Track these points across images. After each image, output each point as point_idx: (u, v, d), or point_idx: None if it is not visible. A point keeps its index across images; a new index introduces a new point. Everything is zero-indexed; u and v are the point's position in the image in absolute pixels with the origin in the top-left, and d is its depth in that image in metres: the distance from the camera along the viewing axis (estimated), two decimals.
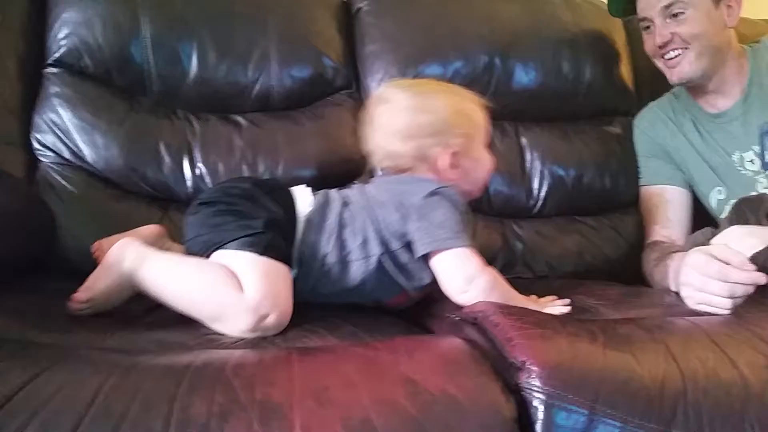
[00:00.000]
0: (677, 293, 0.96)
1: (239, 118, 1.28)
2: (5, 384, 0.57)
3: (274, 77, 1.29)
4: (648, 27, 1.29)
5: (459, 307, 0.90)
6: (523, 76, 1.39)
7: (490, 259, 1.28)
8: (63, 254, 1.09)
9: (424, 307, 1.01)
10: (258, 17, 1.30)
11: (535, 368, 0.67)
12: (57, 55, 1.20)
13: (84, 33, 1.19)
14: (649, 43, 1.29)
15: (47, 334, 0.76)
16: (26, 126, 1.17)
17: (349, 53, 1.38)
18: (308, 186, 1.02)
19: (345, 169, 1.28)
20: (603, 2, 1.56)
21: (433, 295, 1.02)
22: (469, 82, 1.35)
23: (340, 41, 1.37)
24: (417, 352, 0.71)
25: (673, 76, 1.27)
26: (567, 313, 0.96)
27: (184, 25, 1.25)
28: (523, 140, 1.41)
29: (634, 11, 1.32)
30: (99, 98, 1.19)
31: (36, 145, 1.17)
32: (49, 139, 1.16)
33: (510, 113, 1.40)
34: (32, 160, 1.16)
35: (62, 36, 1.20)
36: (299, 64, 1.31)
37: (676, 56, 1.25)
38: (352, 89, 1.37)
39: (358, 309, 1.07)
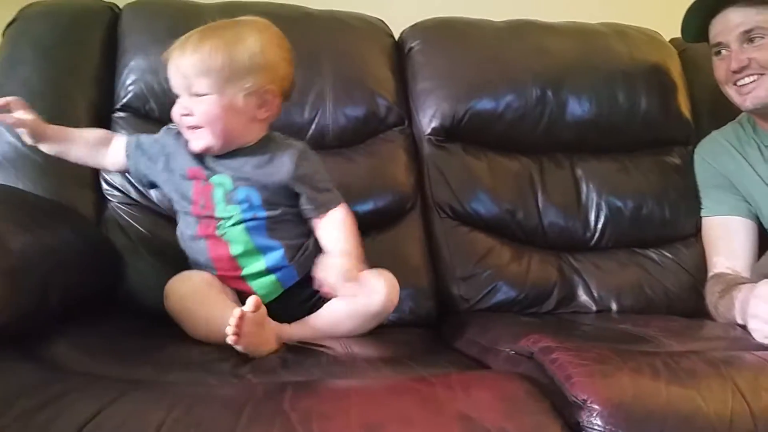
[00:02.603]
0: (744, 326, 0.92)
1: None
2: (76, 415, 0.60)
3: (330, 117, 1.32)
4: (720, 52, 1.26)
5: (514, 340, 0.88)
6: (577, 108, 1.39)
7: (546, 292, 1.28)
8: (129, 291, 1.13)
9: (478, 340, 1.00)
10: (314, 60, 1.34)
11: (596, 407, 0.66)
12: (125, 100, 1.27)
13: (150, 79, 1.26)
14: (721, 69, 1.26)
15: (114, 367, 0.79)
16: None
17: (402, 91, 1.41)
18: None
19: (398, 204, 1.30)
20: (657, 33, 1.56)
21: (486, 325, 1.02)
22: (522, 115, 1.37)
23: (392, 80, 1.40)
24: (474, 389, 0.71)
25: (746, 101, 1.24)
26: (627, 345, 0.93)
27: None
28: (579, 171, 1.40)
29: (706, 37, 1.30)
30: None
31: (105, 186, 1.22)
32: (117, 179, 1.22)
33: (564, 145, 1.40)
34: (101, 199, 1.22)
35: (130, 82, 1.27)
36: (353, 104, 1.34)
37: (750, 82, 1.22)
38: (404, 126, 1.39)
39: (411, 342, 1.07)
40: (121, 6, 1.36)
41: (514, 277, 1.27)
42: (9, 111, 0.98)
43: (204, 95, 0.96)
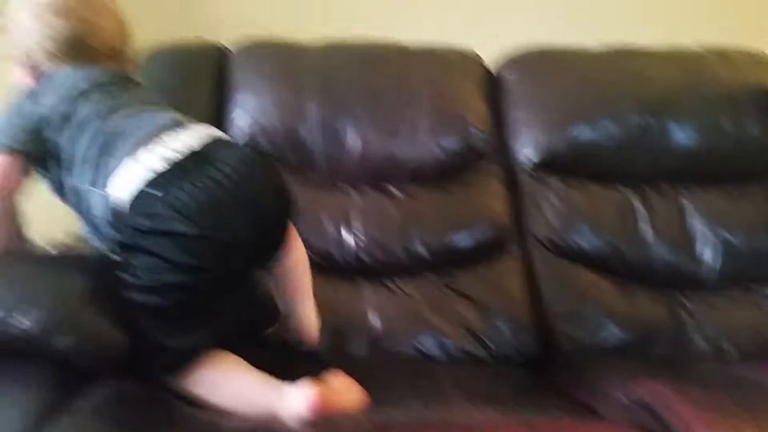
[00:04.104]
0: None
1: (394, 190, 1.34)
2: None
3: (426, 149, 1.34)
4: None
5: (626, 386, 0.87)
6: (681, 136, 1.35)
7: (655, 333, 1.23)
8: None
9: (586, 383, 0.99)
10: (409, 94, 1.37)
11: None
12: (236, 137, 1.34)
13: (260, 117, 1.32)
14: None
15: None
16: None
17: (497, 122, 1.41)
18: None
19: (496, 236, 1.30)
20: (764, 53, 1.49)
21: (593, 367, 0.99)
22: (622, 143, 1.34)
23: (487, 111, 1.40)
24: None
25: None
26: (744, 393, 0.89)
27: (344, 106, 1.35)
28: (684, 202, 1.35)
29: None
30: None
31: None
32: None
33: (668, 175, 1.36)
34: None
35: (241, 120, 1.33)
36: (449, 136, 1.35)
37: None
38: (500, 157, 1.39)
39: (512, 379, 1.07)
40: (231, 48, 1.44)
41: (620, 315, 1.23)
42: None
43: None
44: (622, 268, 1.29)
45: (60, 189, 0.91)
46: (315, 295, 1.06)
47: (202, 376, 0.78)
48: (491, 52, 1.50)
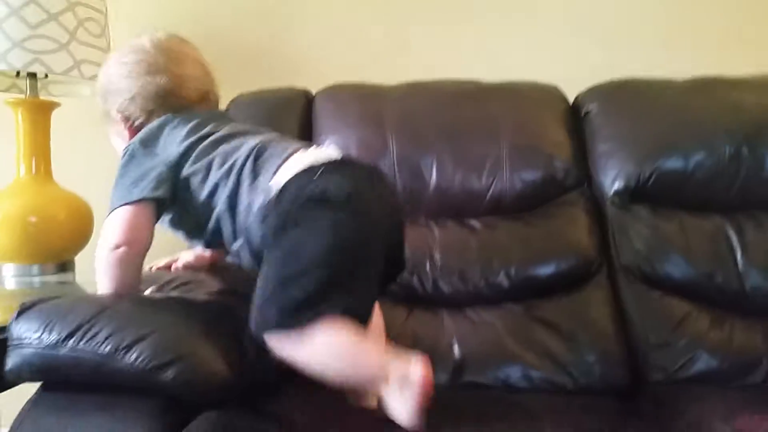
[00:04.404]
0: None
1: (474, 222, 1.34)
2: None
3: (506, 182, 1.35)
4: None
5: (730, 421, 0.82)
6: None
7: (752, 363, 1.17)
8: None
9: (684, 416, 0.94)
10: (490, 128, 1.39)
11: None
12: None
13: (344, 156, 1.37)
14: None
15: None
16: None
17: (580, 153, 1.40)
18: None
19: (583, 267, 1.27)
20: None
21: (690, 399, 0.94)
22: (715, 173, 1.30)
23: (569, 143, 1.40)
24: None
25: None
26: None
27: (424, 141, 1.38)
28: None
29: None
30: None
31: None
32: None
33: (761, 202, 1.30)
34: None
35: None
36: (530, 168, 1.35)
37: None
38: (584, 187, 1.37)
39: (605, 412, 1.03)
40: (314, 92, 1.51)
41: (715, 345, 1.17)
42: None
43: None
44: (716, 297, 1.24)
45: (193, 220, 0.97)
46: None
47: (319, 337, 0.78)
48: (575, 88, 1.50)
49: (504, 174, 1.35)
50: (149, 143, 0.98)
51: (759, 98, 1.36)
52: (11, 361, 0.73)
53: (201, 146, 0.95)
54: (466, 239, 1.31)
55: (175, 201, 0.95)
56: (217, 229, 0.94)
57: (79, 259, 1.46)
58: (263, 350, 0.81)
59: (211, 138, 0.96)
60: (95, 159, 1.71)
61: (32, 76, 1.39)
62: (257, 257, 0.90)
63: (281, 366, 0.81)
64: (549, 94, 1.48)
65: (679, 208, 1.32)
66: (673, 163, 1.31)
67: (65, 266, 1.42)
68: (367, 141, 1.38)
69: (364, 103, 1.45)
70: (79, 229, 1.43)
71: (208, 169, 0.93)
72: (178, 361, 0.70)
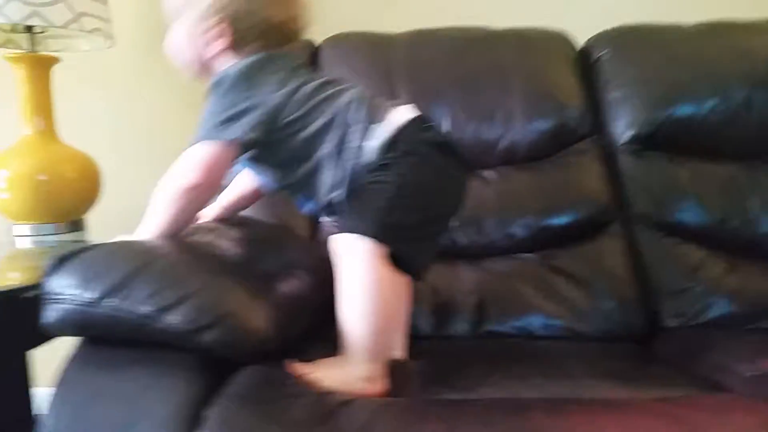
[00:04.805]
0: None
1: (488, 173, 1.34)
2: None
3: (519, 132, 1.33)
4: None
5: (753, 361, 0.84)
6: None
7: (764, 307, 1.19)
8: None
9: (706, 359, 0.96)
10: (500, 76, 1.36)
11: None
12: None
13: None
14: None
15: None
16: None
17: (592, 101, 1.39)
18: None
19: (597, 215, 1.28)
20: None
21: (710, 343, 0.96)
22: (727, 118, 1.30)
23: (580, 91, 1.38)
24: (732, 414, 0.68)
25: None
26: None
27: (434, 91, 1.35)
28: None
29: None
30: None
31: None
32: None
33: None
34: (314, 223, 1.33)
35: None
36: (543, 118, 1.34)
37: None
38: (596, 136, 1.37)
39: (629, 357, 1.05)
40: (318, 42, 1.47)
41: (731, 291, 1.20)
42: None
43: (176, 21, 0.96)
44: (730, 243, 1.26)
45: (279, 162, 0.93)
46: None
47: (387, 272, 0.82)
48: (579, 33, 1.48)
49: (516, 124, 1.34)
50: (249, 79, 0.89)
51: None
52: (51, 315, 0.72)
53: (303, 90, 0.90)
54: (481, 190, 1.30)
55: (265, 143, 0.89)
56: (312, 174, 0.90)
57: (90, 218, 1.45)
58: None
59: (312, 84, 0.91)
60: (97, 116, 1.68)
61: (29, 29, 1.35)
62: (341, 208, 0.89)
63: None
64: (557, 40, 1.46)
65: (692, 155, 1.32)
66: (686, 109, 1.31)
67: (77, 224, 1.40)
68: (376, 90, 1.34)
69: (371, 52, 1.41)
70: (88, 187, 1.40)
71: (312, 114, 0.89)
72: (218, 323, 0.70)
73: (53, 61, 1.36)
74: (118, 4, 1.45)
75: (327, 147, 0.89)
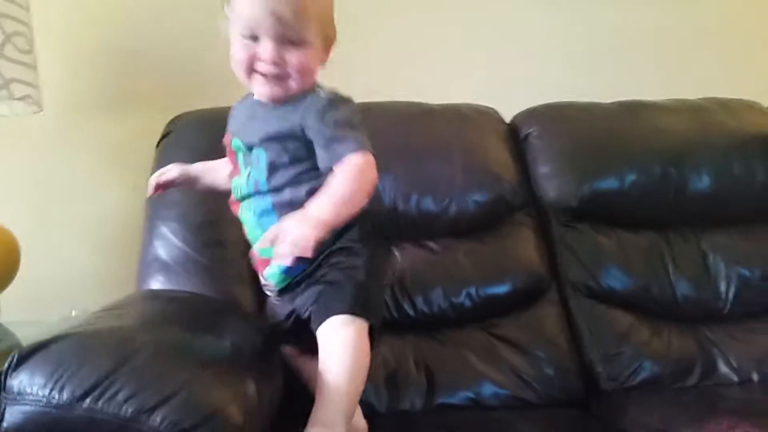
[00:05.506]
0: None
1: (431, 244, 1.38)
2: None
3: (460, 204, 1.39)
4: None
5: (696, 424, 0.89)
6: (698, 183, 1.44)
7: (688, 366, 1.31)
8: None
9: (646, 422, 1.02)
10: (441, 151, 1.42)
11: None
12: None
13: None
14: None
15: None
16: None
17: (524, 175, 1.47)
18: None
19: (534, 284, 1.35)
20: (756, 102, 1.61)
21: (647, 405, 1.02)
22: (647, 192, 1.43)
23: (513, 164, 1.47)
24: None
25: None
26: None
27: (380, 164, 1.37)
28: (704, 244, 1.44)
29: None
30: None
31: (262, 281, 1.30)
32: None
33: (688, 219, 1.45)
34: (258, 294, 1.30)
35: None
36: (481, 190, 1.40)
37: None
38: (529, 208, 1.45)
39: (571, 423, 1.09)
40: None
41: (657, 353, 1.30)
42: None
43: (303, 44, 0.92)
44: (654, 307, 1.37)
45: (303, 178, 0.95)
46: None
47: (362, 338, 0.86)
48: (511, 110, 1.58)
49: (457, 196, 1.39)
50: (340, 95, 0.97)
51: (678, 122, 1.51)
52: (13, 420, 0.65)
53: None
54: (427, 261, 1.34)
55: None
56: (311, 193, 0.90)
57: (4, 298, 1.34)
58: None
59: None
60: (16, 184, 1.57)
61: None
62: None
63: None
64: (489, 116, 1.55)
65: (616, 225, 1.44)
66: (609, 183, 1.43)
67: None
68: None
69: None
70: (4, 263, 1.30)
71: None
72: (204, 424, 0.67)
73: None
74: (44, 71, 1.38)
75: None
